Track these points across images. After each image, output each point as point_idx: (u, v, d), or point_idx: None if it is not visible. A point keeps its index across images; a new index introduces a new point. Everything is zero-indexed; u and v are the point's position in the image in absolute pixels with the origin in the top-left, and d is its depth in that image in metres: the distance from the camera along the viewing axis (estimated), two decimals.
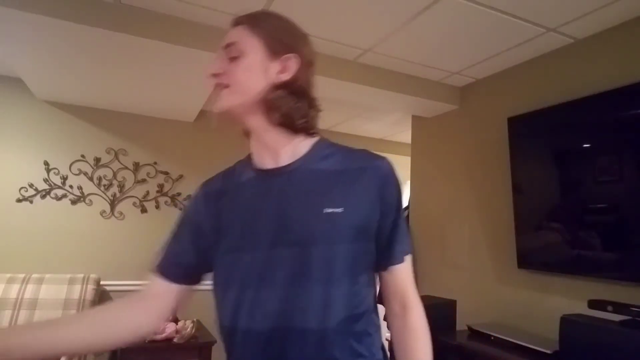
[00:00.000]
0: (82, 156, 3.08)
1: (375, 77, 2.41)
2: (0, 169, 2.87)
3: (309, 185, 0.78)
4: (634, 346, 1.39)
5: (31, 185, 2.92)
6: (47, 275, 2.73)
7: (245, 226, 0.79)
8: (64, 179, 3.01)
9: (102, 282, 2.93)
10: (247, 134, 0.87)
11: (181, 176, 3.35)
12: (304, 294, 0.72)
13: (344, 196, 0.76)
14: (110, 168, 3.14)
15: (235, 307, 0.77)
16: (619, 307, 1.50)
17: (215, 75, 0.80)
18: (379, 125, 3.66)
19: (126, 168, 3.19)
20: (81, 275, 2.80)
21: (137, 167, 3.22)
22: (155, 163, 3.28)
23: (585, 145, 1.85)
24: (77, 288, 2.71)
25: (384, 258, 0.82)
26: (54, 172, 2.99)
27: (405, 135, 3.98)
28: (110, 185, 3.13)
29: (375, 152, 0.83)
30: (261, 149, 0.84)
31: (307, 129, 0.82)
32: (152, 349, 2.55)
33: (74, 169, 3.05)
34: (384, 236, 0.81)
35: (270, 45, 0.79)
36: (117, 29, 1.86)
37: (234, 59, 0.79)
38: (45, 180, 2.96)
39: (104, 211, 3.11)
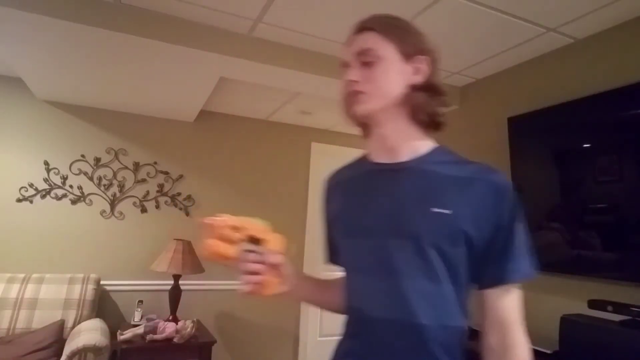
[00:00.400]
0: (82, 156, 3.08)
1: None
2: (0, 168, 2.87)
3: (420, 184, 0.81)
4: (634, 346, 1.39)
5: (31, 185, 2.93)
6: (47, 275, 2.73)
7: (356, 214, 0.85)
8: (64, 178, 3.01)
9: (102, 282, 2.93)
10: (365, 131, 0.90)
11: (181, 176, 3.35)
12: (413, 290, 0.77)
13: (453, 200, 0.77)
14: (110, 168, 3.14)
15: (357, 290, 0.84)
16: (619, 307, 1.50)
17: (352, 81, 0.82)
18: None
19: (126, 168, 3.19)
20: (81, 275, 2.80)
21: (137, 167, 3.22)
22: (155, 163, 3.28)
23: (585, 145, 1.85)
24: (77, 288, 2.71)
25: (491, 274, 0.78)
26: (54, 172, 2.99)
27: None
28: (110, 185, 3.13)
29: (493, 167, 0.82)
30: (381, 146, 0.87)
31: (442, 125, 0.86)
32: (152, 349, 2.55)
33: (74, 168, 3.05)
34: (495, 251, 0.78)
35: (403, 49, 0.82)
36: (117, 28, 1.86)
37: (369, 64, 0.82)
38: (46, 180, 2.96)
39: (104, 211, 3.11)
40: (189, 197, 3.35)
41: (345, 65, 0.86)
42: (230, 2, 1.82)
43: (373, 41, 0.82)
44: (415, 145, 0.85)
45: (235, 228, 0.80)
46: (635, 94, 1.65)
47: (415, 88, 0.82)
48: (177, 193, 3.33)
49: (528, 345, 0.78)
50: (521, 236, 0.79)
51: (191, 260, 2.90)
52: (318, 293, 0.96)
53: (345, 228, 0.87)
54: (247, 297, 0.80)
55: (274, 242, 0.82)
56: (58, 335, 2.46)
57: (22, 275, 2.68)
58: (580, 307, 1.79)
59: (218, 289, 3.37)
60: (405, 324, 0.76)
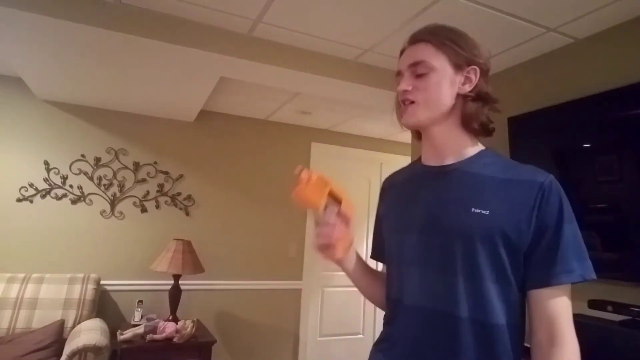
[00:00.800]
0: (82, 156, 3.08)
1: (376, 76, 2.41)
2: (0, 168, 2.87)
3: (463, 185, 0.86)
4: (634, 346, 1.39)
5: (31, 185, 2.93)
6: (47, 275, 2.73)
7: (404, 211, 0.94)
8: (64, 178, 3.02)
9: (102, 282, 2.93)
10: (418, 136, 0.97)
11: (181, 176, 3.35)
12: (450, 283, 0.82)
13: (492, 201, 0.81)
14: (111, 168, 3.15)
15: (398, 282, 0.92)
16: (619, 307, 1.50)
17: (405, 91, 0.88)
18: (379, 125, 3.66)
19: (126, 168, 3.19)
20: (81, 275, 2.80)
21: (137, 166, 3.22)
22: (155, 163, 3.28)
23: (585, 145, 1.85)
24: (77, 288, 2.71)
25: (537, 275, 0.80)
26: (54, 172, 3.00)
27: (405, 135, 3.98)
28: (111, 184, 3.13)
29: (540, 169, 0.86)
30: (430, 150, 0.94)
31: (493, 131, 0.93)
32: (152, 349, 2.55)
33: (74, 168, 3.05)
34: (540, 253, 0.79)
35: (454, 60, 0.87)
36: (117, 28, 1.86)
37: (422, 75, 0.87)
38: (46, 180, 2.96)
39: (104, 211, 3.11)
40: (189, 197, 3.35)
41: (399, 74, 0.92)
42: (231, 2, 1.82)
43: (426, 53, 0.87)
44: (463, 149, 0.91)
45: (324, 181, 0.88)
46: (635, 94, 1.65)
47: (465, 97, 0.87)
48: (177, 193, 3.33)
49: (576, 343, 0.78)
50: (570, 237, 0.79)
51: (191, 260, 2.90)
52: (363, 272, 1.02)
53: (393, 224, 0.96)
54: (318, 252, 0.90)
55: (348, 205, 0.90)
56: (58, 335, 2.46)
57: (22, 275, 2.68)
58: (580, 307, 1.79)
59: (218, 288, 3.37)
60: (438, 314, 0.82)
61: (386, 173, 4.30)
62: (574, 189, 1.88)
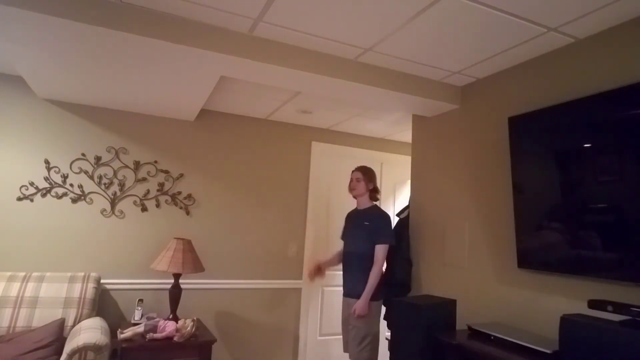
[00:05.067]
0: (83, 155, 3.08)
1: (376, 76, 2.41)
2: (0, 167, 2.88)
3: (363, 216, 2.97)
4: (634, 346, 1.39)
5: (32, 184, 2.93)
6: (48, 274, 2.74)
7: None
8: (65, 177, 3.02)
9: (102, 281, 2.94)
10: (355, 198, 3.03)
11: (181, 175, 3.36)
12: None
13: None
14: (111, 167, 3.15)
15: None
16: (619, 307, 1.50)
17: (353, 189, 2.94)
18: (380, 124, 3.66)
19: (127, 167, 3.19)
20: (82, 274, 2.80)
21: (137, 165, 3.22)
22: (155, 162, 3.29)
23: (585, 145, 1.85)
24: (78, 286, 2.71)
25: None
26: (55, 171, 3.00)
27: (406, 135, 3.98)
28: (111, 183, 3.14)
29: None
30: (357, 204, 3.01)
31: (378, 199, 3.03)
32: (153, 348, 2.56)
33: (75, 167, 3.05)
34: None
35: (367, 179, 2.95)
36: (118, 27, 1.86)
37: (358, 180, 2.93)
38: (46, 179, 2.97)
39: (105, 210, 3.11)
40: (189, 196, 3.36)
41: (351, 180, 2.93)
42: (231, 1, 1.82)
43: (359, 175, 2.91)
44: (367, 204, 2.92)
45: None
46: (635, 94, 1.65)
47: (371, 190, 2.92)
48: (178, 192, 3.33)
49: (377, 268, 2.69)
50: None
51: (191, 259, 2.90)
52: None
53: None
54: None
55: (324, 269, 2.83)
56: (58, 334, 2.46)
57: (22, 274, 2.68)
58: (580, 307, 1.79)
59: (218, 288, 3.37)
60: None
61: (387, 172, 4.41)
62: (574, 189, 1.88)
